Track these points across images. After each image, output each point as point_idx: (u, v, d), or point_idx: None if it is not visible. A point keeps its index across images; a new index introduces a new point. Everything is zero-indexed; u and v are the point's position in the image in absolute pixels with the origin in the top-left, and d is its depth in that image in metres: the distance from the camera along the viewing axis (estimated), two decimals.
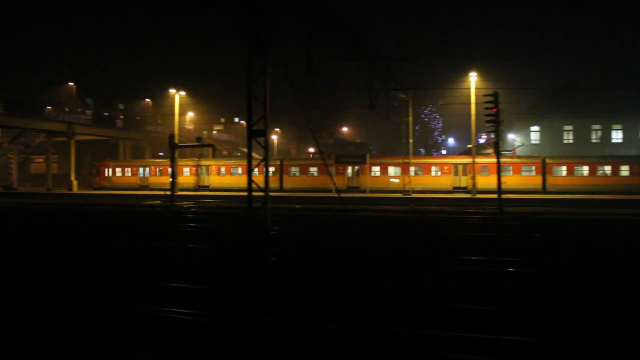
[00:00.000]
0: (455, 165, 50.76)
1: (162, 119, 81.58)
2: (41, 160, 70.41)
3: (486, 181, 45.72)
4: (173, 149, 38.01)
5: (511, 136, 70.88)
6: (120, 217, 28.79)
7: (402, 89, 44.24)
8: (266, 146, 20.88)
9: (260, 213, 20.86)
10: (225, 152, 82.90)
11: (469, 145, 51.46)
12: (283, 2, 25.06)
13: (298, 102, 21.82)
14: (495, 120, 29.80)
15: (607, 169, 48.26)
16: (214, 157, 60.42)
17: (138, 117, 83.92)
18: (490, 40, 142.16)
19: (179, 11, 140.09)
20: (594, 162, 48.56)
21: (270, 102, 20.68)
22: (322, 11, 27.17)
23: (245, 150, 25.21)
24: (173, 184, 39.35)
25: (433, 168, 51.44)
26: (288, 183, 55.54)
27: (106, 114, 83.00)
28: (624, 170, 47.70)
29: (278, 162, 57.03)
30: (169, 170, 62.31)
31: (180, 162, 59.94)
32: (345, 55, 34.55)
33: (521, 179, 48.12)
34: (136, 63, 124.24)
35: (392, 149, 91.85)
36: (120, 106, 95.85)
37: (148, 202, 40.24)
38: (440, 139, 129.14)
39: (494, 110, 29.81)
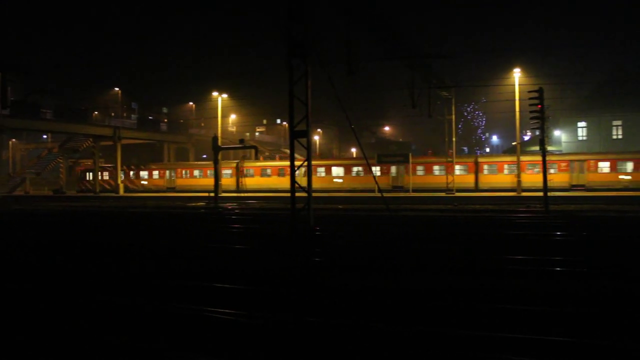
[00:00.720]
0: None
1: (205, 121, 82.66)
2: (89, 163, 72.13)
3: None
4: (216, 151, 38.42)
5: (557, 132, 69.43)
6: (167, 219, 29.21)
7: (444, 86, 43.81)
8: (308, 146, 20.95)
9: (303, 214, 20.96)
10: (267, 154, 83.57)
11: (514, 143, 50.76)
12: (323, 3, 25.14)
13: (339, 102, 21.81)
14: (540, 116, 29.26)
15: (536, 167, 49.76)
16: (256, 158, 61.05)
17: (182, 120, 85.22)
18: (533, 35, 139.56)
19: (220, 13, 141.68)
20: (522, 161, 49.12)
21: (311, 102, 20.73)
22: (363, 10, 27.08)
23: (288, 151, 25.32)
24: (217, 185, 39.76)
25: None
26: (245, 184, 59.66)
27: (151, 117, 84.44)
28: (551, 169, 49.29)
29: (234, 165, 60.07)
30: (135, 173, 66.46)
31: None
32: (386, 54, 34.40)
33: (456, 177, 49.96)
34: (179, 67, 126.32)
35: (435, 147, 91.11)
36: (164, 110, 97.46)
37: (192, 204, 40.73)
38: (483, 136, 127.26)
39: (539, 106, 29.30)
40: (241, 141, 45.32)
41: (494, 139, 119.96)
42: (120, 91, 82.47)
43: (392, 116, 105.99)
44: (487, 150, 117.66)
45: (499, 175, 50.14)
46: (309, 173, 21.03)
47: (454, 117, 48.85)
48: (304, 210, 20.74)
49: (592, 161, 48.00)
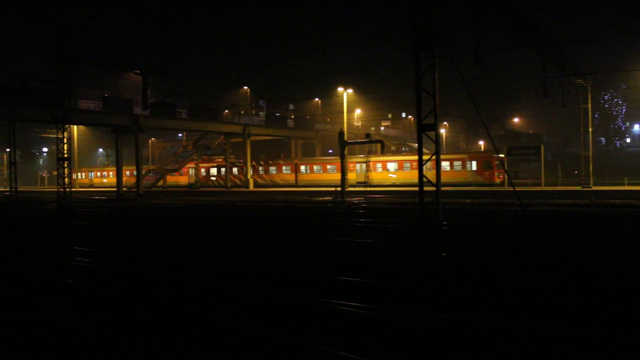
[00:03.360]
0: None
1: (330, 117, 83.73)
2: (220, 160, 75.28)
3: None
4: (343, 146, 38.78)
5: None
6: (296, 213, 29.88)
7: (579, 74, 41.43)
8: (437, 140, 20.66)
9: (431, 208, 20.67)
10: (393, 148, 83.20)
11: None
12: None
13: (468, 93, 21.28)
14: None
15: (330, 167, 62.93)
16: (382, 153, 60.96)
17: (308, 116, 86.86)
18: None
19: (345, 8, 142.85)
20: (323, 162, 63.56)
21: (438, 95, 20.39)
22: None
23: (413, 144, 24.99)
24: (343, 180, 40.13)
25: None
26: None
27: (278, 114, 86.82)
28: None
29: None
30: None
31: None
32: (516, 41, 33.02)
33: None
34: (306, 64, 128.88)
35: (568, 139, 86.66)
36: (291, 106, 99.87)
37: (320, 199, 41.38)
38: (623, 126, 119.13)
39: None
40: (367, 135, 45.43)
41: (636, 128, 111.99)
42: (249, 90, 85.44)
43: (521, 107, 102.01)
44: (628, 140, 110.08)
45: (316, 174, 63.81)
46: (438, 167, 20.72)
47: (589, 106, 46.04)
48: (432, 204, 20.47)
49: None
